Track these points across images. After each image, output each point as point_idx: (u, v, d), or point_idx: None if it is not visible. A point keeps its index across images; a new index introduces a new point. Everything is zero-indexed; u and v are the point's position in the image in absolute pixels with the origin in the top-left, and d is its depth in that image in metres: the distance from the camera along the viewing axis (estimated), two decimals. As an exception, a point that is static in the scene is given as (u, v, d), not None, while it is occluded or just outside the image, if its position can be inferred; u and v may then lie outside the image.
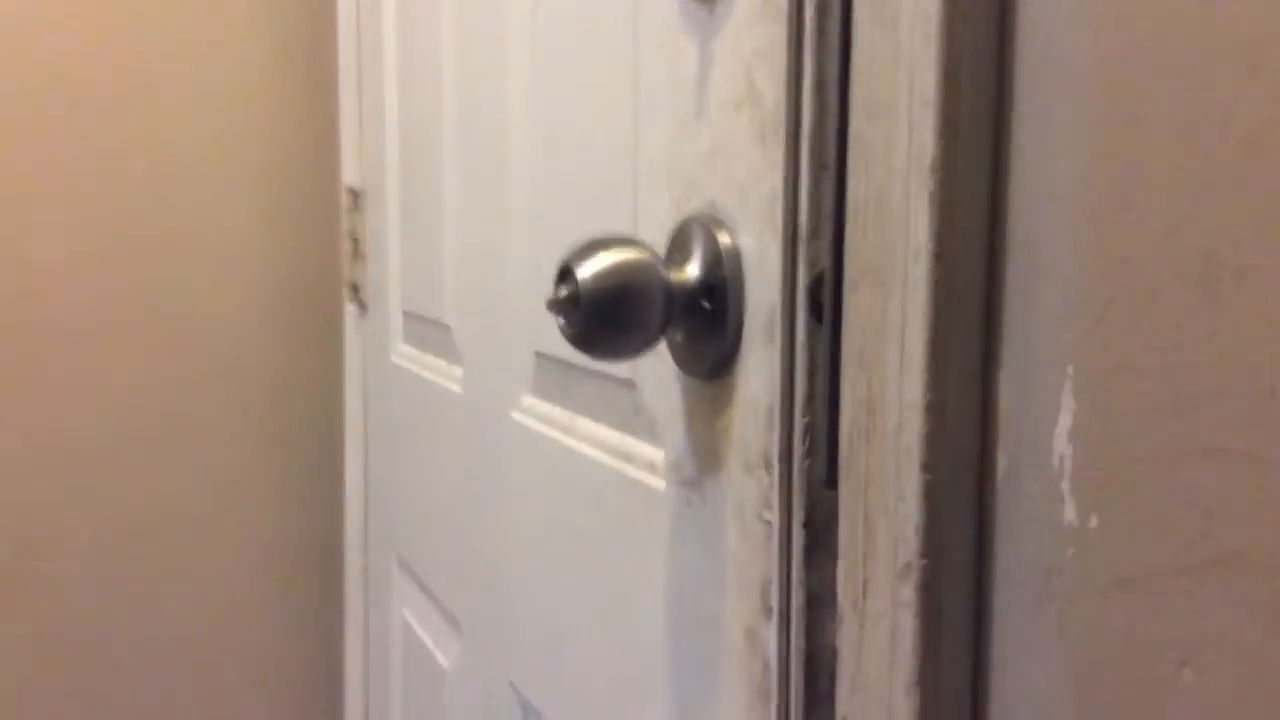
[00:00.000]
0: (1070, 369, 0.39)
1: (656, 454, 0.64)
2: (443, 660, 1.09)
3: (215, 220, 1.46)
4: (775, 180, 0.51)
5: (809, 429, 0.50)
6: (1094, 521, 0.38)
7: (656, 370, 0.64)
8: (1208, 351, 0.34)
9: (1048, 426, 0.40)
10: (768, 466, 0.51)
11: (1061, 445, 0.40)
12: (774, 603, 0.51)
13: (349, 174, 1.43)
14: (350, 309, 1.45)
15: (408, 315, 1.24)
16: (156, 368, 1.44)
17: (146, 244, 1.43)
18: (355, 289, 1.43)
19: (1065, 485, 0.39)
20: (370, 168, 1.37)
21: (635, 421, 0.68)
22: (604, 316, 0.54)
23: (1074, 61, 0.39)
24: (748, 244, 0.54)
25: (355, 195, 1.42)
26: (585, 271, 0.54)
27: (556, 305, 0.55)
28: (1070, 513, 0.39)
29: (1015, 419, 0.42)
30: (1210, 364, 0.34)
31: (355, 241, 1.43)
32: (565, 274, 0.55)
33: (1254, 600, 0.33)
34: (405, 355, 1.24)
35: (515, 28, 0.86)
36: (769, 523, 0.51)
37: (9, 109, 1.35)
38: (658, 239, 0.61)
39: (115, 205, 1.41)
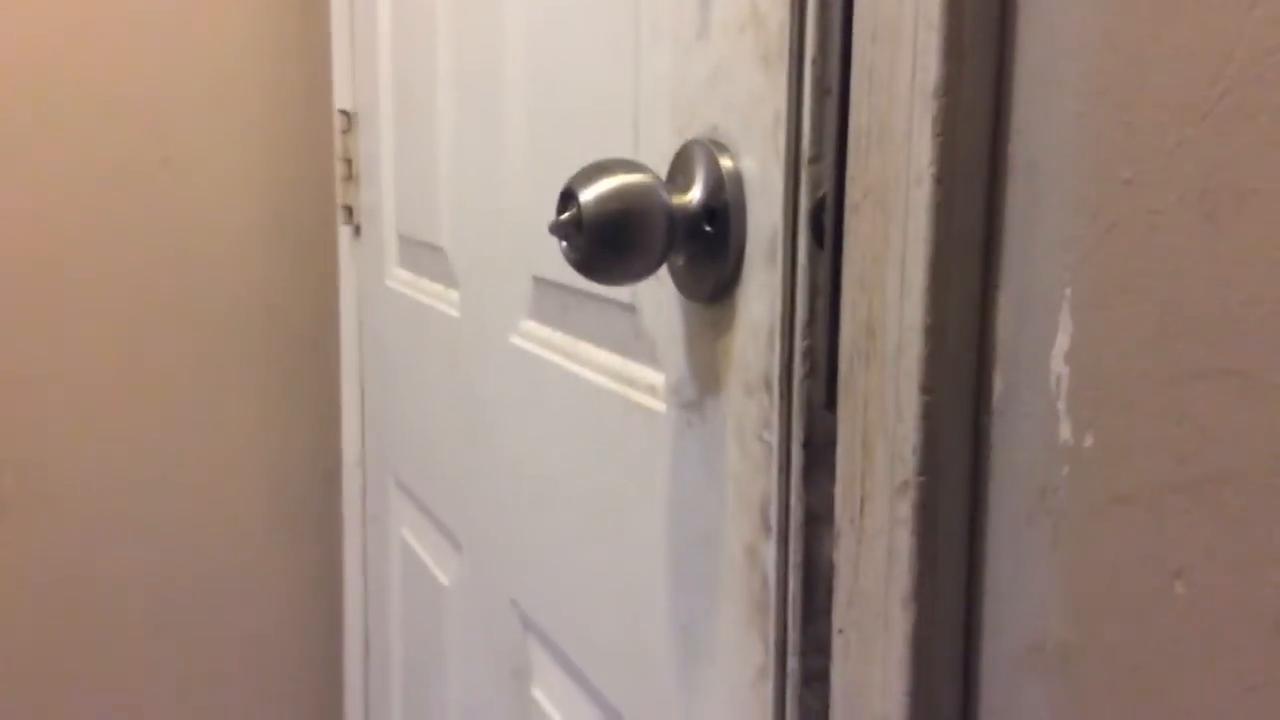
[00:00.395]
0: (1069, 291, 0.40)
1: (657, 377, 0.65)
2: (442, 578, 1.11)
3: (208, 145, 1.45)
4: (779, 103, 0.52)
5: (809, 351, 0.51)
6: (1089, 440, 0.39)
7: (657, 294, 0.64)
8: (1207, 273, 0.35)
9: (1045, 348, 0.41)
10: (768, 388, 0.52)
11: (1059, 366, 0.41)
12: (773, 520, 0.52)
13: (341, 96, 1.42)
14: (344, 232, 1.45)
15: (403, 239, 1.24)
16: (154, 291, 1.44)
17: (143, 170, 1.42)
18: (349, 212, 1.43)
19: (1061, 405, 0.40)
20: (363, 89, 1.36)
21: (635, 345, 0.68)
22: (607, 240, 0.54)
23: (1081, -16, 0.39)
24: (750, 167, 0.54)
25: (348, 117, 1.41)
26: (588, 195, 0.54)
27: (559, 228, 0.55)
28: (1066, 432, 0.40)
29: (1013, 341, 0.43)
30: (1209, 286, 0.35)
31: (348, 164, 1.42)
32: (568, 197, 0.55)
33: (1246, 516, 0.34)
34: (401, 279, 1.24)
35: (512, -54, 0.84)
36: (769, 443, 0.52)
37: (14, 47, 1.33)
38: (659, 163, 0.61)
39: (111, 131, 1.39)
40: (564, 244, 0.56)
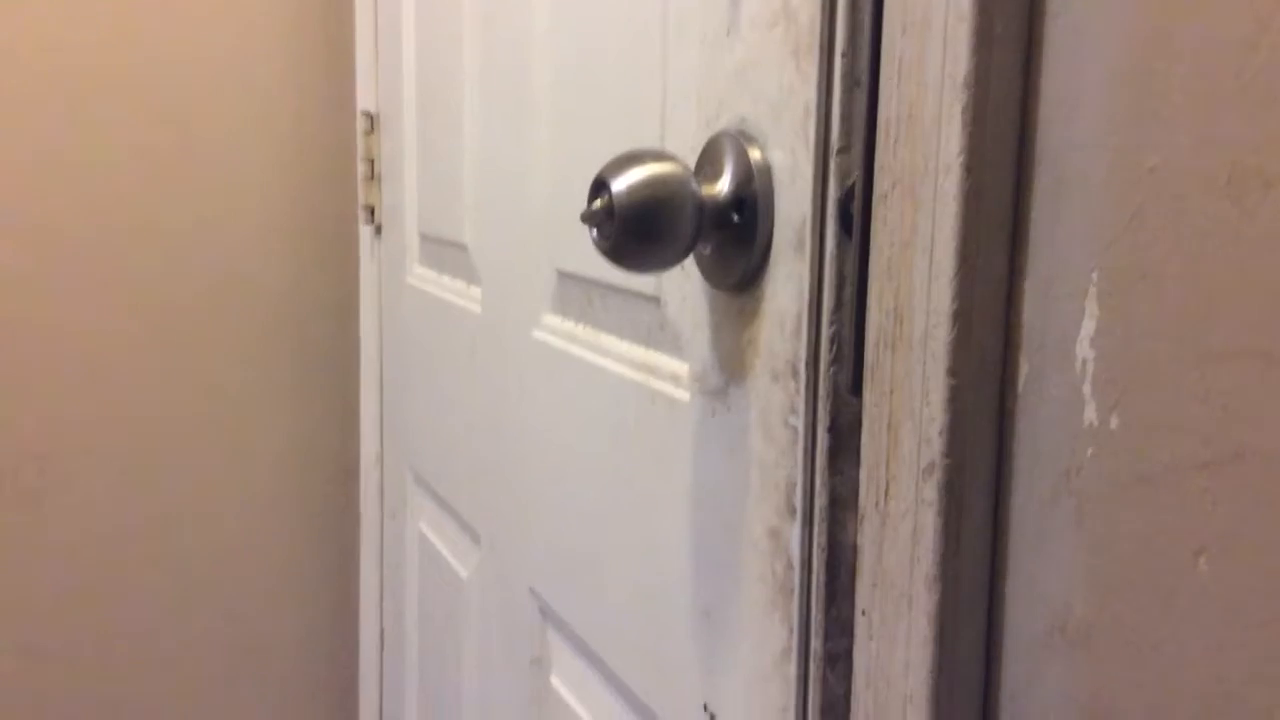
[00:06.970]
0: (1095, 276, 0.41)
1: (680, 366, 0.66)
2: (460, 570, 1.12)
3: (230, 142, 1.46)
4: (808, 96, 0.53)
5: (835, 337, 0.52)
6: (1114, 422, 0.40)
7: (682, 285, 0.65)
8: (1231, 257, 0.36)
9: (1071, 332, 0.42)
10: (794, 374, 0.53)
11: (1084, 350, 0.41)
12: (798, 503, 0.53)
13: (364, 99, 1.44)
14: (365, 231, 1.46)
15: (424, 237, 1.25)
16: (177, 287, 1.46)
17: (166, 169, 1.43)
18: (370, 211, 1.44)
19: (1086, 388, 0.41)
20: (386, 92, 1.37)
21: (659, 336, 0.69)
22: (637, 229, 0.55)
23: (1109, -23, 0.40)
24: (779, 158, 0.55)
25: (371, 119, 1.43)
26: (619, 185, 0.55)
27: (591, 217, 0.56)
28: (1091, 414, 0.41)
29: (1039, 326, 0.44)
30: (1233, 269, 0.36)
31: (370, 164, 1.43)
32: (599, 187, 0.56)
33: (1269, 494, 0.35)
34: (422, 277, 1.25)
35: (541, -54, 0.86)
36: (794, 428, 0.53)
37: (39, 36, 1.35)
38: (686, 155, 0.62)
39: (134, 131, 1.41)
40: (594, 232, 0.57)
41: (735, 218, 0.57)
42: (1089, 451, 0.41)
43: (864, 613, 0.50)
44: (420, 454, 1.28)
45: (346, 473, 1.55)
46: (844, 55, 0.51)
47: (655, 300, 0.69)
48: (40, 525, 1.43)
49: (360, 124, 1.44)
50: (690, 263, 0.62)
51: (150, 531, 1.48)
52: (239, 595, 1.54)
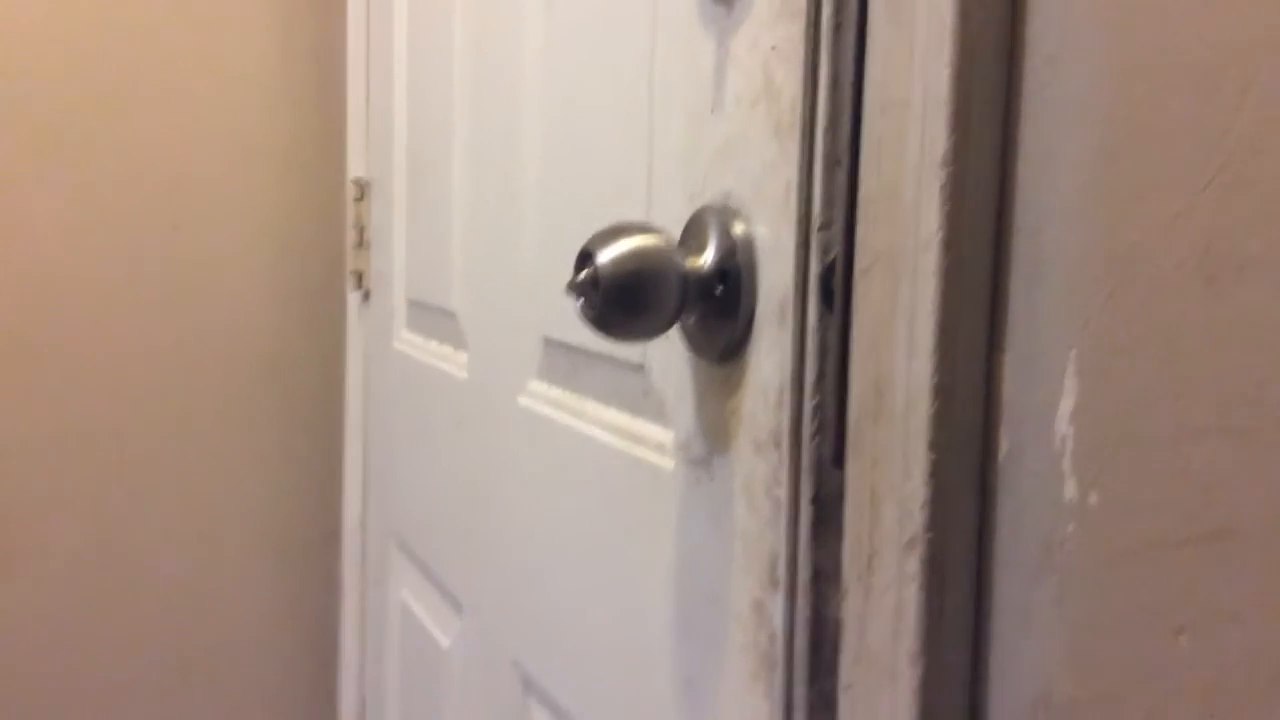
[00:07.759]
0: (1074, 353, 0.41)
1: (665, 435, 0.66)
2: (442, 640, 1.11)
3: (219, 211, 1.47)
4: (790, 173, 0.53)
5: (818, 409, 0.52)
6: (1094, 498, 0.40)
7: (666, 354, 0.66)
8: (1207, 337, 0.36)
9: (1050, 408, 0.42)
10: (777, 445, 0.53)
11: (1063, 426, 0.42)
12: (781, 575, 0.53)
13: (355, 166, 1.45)
14: (353, 297, 1.47)
15: (412, 303, 1.25)
16: (163, 351, 1.45)
17: (155, 232, 1.44)
18: (359, 277, 1.45)
19: (1066, 464, 0.42)
20: (377, 159, 1.39)
21: (644, 404, 0.70)
22: (622, 300, 0.56)
23: (1082, 63, 0.41)
24: (762, 233, 0.56)
25: (361, 186, 1.44)
26: (605, 256, 0.56)
27: (576, 288, 0.56)
28: (1071, 490, 0.41)
29: (1019, 401, 0.44)
30: (1209, 348, 0.36)
31: (360, 231, 1.44)
32: (585, 258, 0.57)
33: (1248, 570, 0.35)
34: (409, 342, 1.25)
35: (529, 19, 0.87)
36: (777, 499, 0.53)
37: (33, 103, 1.36)
38: (671, 228, 0.63)
39: (126, 195, 1.42)
40: (580, 302, 0.57)
41: (719, 290, 0.57)
42: (1070, 527, 0.41)
43: (848, 687, 0.50)
44: (403, 520, 1.27)
45: (329, 538, 1.54)
46: (825, 134, 0.52)
47: (640, 368, 0.70)
48: (10, 588, 1.41)
49: (350, 191, 1.45)
50: (675, 332, 0.62)
51: (126, 595, 1.46)
52: (217, 660, 1.52)
